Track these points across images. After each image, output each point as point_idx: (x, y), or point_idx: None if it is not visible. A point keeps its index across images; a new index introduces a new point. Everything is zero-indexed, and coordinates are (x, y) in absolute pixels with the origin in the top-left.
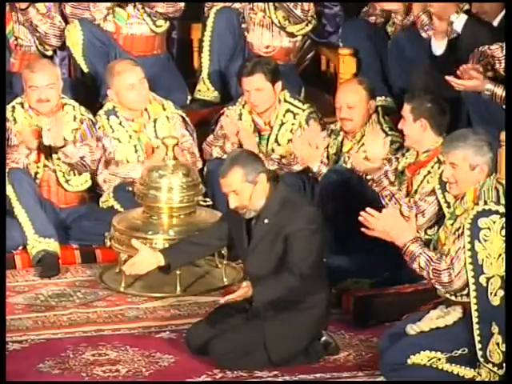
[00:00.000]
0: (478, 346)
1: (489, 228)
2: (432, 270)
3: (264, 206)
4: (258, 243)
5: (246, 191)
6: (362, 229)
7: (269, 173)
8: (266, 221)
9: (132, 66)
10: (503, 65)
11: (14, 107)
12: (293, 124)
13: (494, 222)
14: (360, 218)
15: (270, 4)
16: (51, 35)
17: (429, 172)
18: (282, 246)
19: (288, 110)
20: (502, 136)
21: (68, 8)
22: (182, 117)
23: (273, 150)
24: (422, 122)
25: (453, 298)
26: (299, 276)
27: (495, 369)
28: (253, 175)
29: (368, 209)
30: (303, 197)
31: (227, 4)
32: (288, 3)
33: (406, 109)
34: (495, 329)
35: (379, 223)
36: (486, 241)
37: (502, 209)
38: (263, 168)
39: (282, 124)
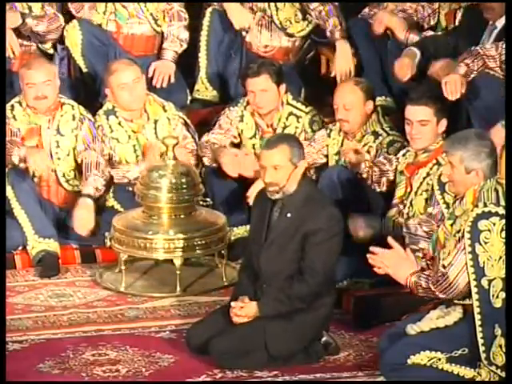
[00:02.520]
0: (482, 348)
1: (489, 230)
2: (432, 283)
3: (289, 199)
4: (276, 237)
5: (286, 170)
6: (375, 269)
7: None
8: (288, 215)
9: (126, 66)
10: (498, 63)
11: (12, 106)
12: (296, 127)
13: (494, 224)
14: (369, 260)
15: (272, 4)
16: (49, 32)
17: (428, 174)
18: (300, 243)
19: (291, 113)
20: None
21: None
22: (183, 119)
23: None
24: (443, 122)
25: (455, 300)
26: (315, 284)
27: (499, 371)
28: (297, 158)
29: (371, 248)
30: (327, 196)
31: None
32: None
33: (428, 112)
34: (498, 331)
35: (380, 262)
36: (486, 243)
37: (501, 210)
38: (304, 157)
39: (285, 127)
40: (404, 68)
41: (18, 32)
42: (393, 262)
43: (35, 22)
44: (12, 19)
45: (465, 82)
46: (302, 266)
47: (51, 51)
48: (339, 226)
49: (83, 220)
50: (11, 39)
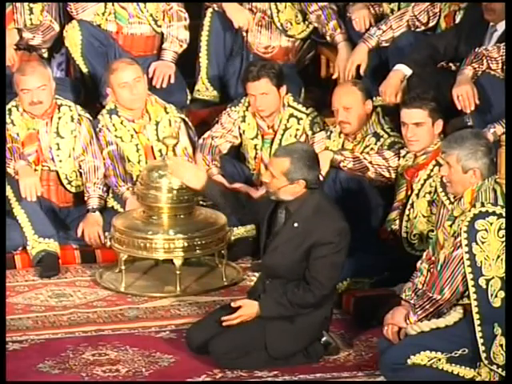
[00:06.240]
0: (482, 348)
1: (486, 230)
2: (431, 304)
3: (297, 209)
4: (280, 244)
5: (280, 182)
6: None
7: (313, 180)
8: (295, 224)
9: (126, 65)
10: (500, 65)
11: (10, 110)
12: (297, 129)
13: (491, 224)
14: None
15: (273, 6)
16: (45, 42)
17: (429, 176)
18: (305, 253)
19: (292, 115)
20: (502, 136)
21: None
22: (185, 121)
23: None
24: (439, 122)
25: (454, 301)
26: (320, 296)
27: (499, 370)
28: (295, 176)
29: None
30: (339, 210)
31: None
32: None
33: (422, 114)
34: (498, 330)
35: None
36: (483, 243)
37: (499, 210)
38: (309, 176)
39: (286, 129)
40: (390, 90)
41: (15, 46)
42: (388, 317)
43: (31, 35)
44: (10, 36)
45: (476, 91)
46: (308, 276)
47: (46, 55)
48: (347, 239)
49: (94, 235)
50: (10, 55)
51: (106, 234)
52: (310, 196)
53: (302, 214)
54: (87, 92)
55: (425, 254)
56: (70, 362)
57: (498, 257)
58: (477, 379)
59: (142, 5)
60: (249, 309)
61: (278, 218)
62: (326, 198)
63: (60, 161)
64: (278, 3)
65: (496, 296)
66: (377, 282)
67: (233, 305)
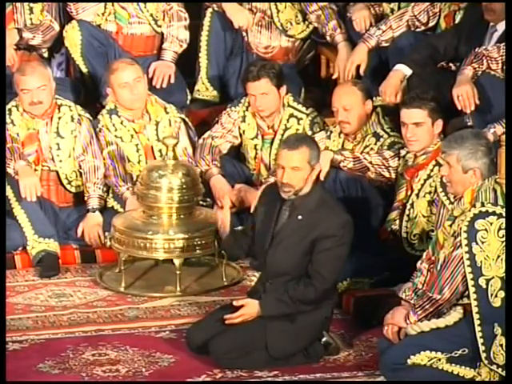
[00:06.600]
0: (482, 347)
1: (486, 230)
2: (431, 304)
3: (301, 202)
4: (284, 238)
5: (305, 173)
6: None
7: None
8: (299, 217)
9: (127, 65)
10: (500, 65)
11: (10, 110)
12: (297, 129)
13: (491, 224)
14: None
15: (273, 6)
16: (45, 42)
17: (429, 176)
18: (309, 247)
19: (292, 115)
20: (502, 136)
21: None
22: (185, 121)
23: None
24: (438, 122)
25: (454, 300)
26: (322, 290)
27: (499, 370)
28: (314, 161)
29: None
30: (340, 203)
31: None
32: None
33: (422, 114)
34: (498, 330)
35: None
36: (483, 243)
37: (499, 210)
38: (319, 159)
39: (286, 129)
40: (390, 90)
41: (16, 45)
42: (388, 317)
43: (31, 35)
44: (10, 36)
45: (476, 91)
46: (310, 271)
47: (46, 55)
48: (350, 234)
49: (94, 235)
50: (10, 55)
51: (106, 234)
52: (312, 190)
53: (305, 208)
54: (87, 92)
55: (425, 254)
56: (70, 361)
57: (498, 257)
58: (477, 379)
59: (142, 5)
60: (250, 308)
61: (281, 216)
62: (327, 192)
63: (60, 161)
64: (277, 3)
65: (496, 296)
66: (377, 282)
67: (235, 303)
